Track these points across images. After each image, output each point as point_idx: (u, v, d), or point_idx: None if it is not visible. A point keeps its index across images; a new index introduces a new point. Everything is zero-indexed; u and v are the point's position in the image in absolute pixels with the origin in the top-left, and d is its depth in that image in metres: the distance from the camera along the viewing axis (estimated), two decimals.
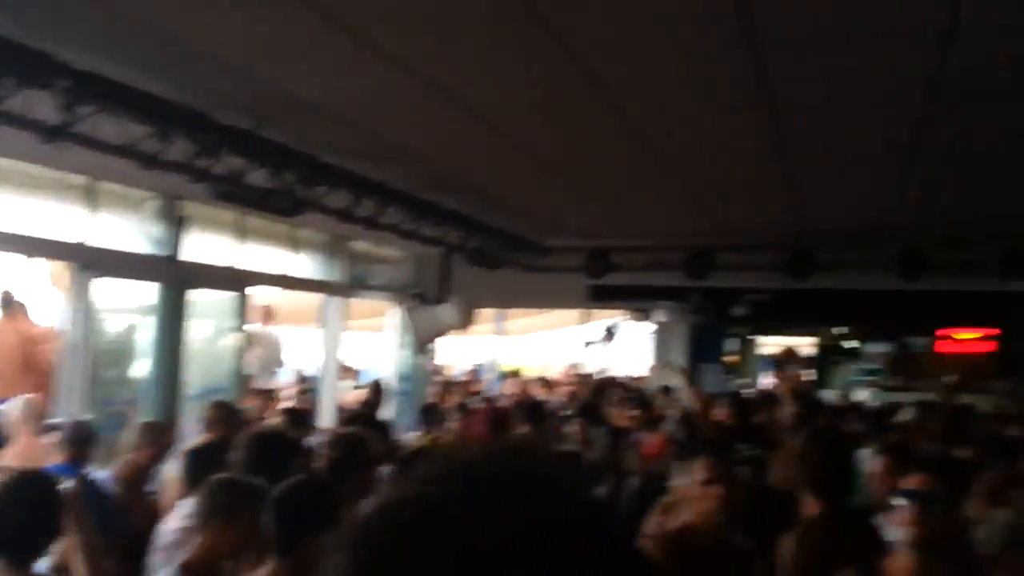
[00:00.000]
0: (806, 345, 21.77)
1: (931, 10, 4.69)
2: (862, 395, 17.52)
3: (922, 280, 13.19)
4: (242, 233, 10.53)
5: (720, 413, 10.05)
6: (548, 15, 4.85)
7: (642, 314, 17.63)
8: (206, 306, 9.86)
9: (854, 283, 13.76)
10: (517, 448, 1.19)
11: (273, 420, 9.40)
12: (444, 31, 5.16)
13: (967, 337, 18.16)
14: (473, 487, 1.07)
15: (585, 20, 4.95)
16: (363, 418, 9.22)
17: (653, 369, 16.51)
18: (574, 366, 20.05)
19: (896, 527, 3.98)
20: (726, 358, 19.00)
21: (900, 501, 3.80)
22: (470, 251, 12.03)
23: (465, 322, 13.72)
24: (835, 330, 20.32)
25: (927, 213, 10.97)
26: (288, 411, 9.62)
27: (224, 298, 10.21)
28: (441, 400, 13.13)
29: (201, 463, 5.84)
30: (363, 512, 1.09)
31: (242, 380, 10.69)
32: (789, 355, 23.13)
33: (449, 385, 15.51)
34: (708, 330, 16.31)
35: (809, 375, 20.66)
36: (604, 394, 13.38)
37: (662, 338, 16.42)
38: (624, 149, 7.92)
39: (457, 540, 1.01)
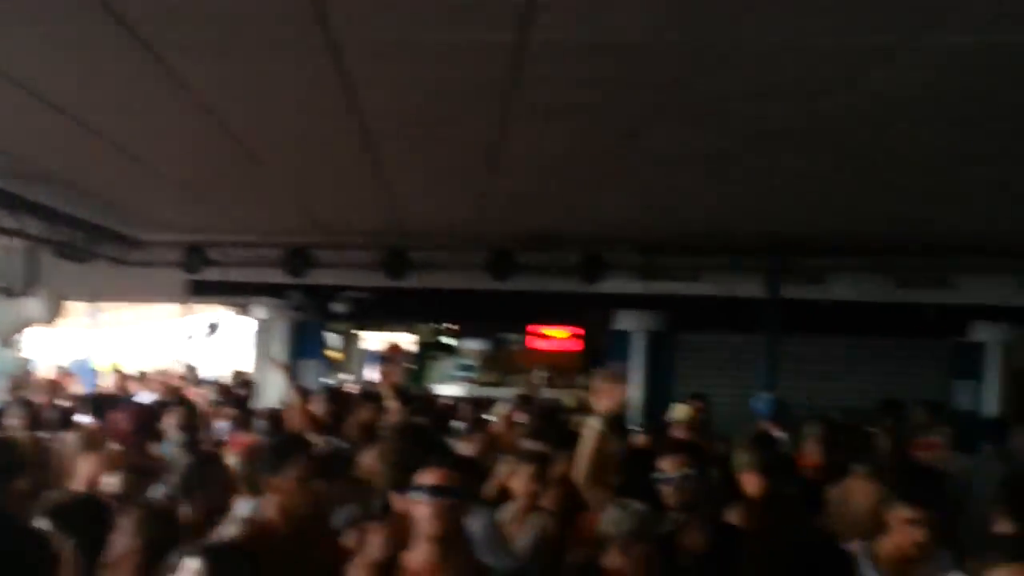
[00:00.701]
0: (408, 341, 22.25)
1: (503, 28, 4.92)
2: (458, 390, 18.07)
3: (512, 281, 13.87)
4: None
5: (316, 408, 10.07)
6: (120, 7, 4.73)
7: (244, 309, 17.46)
8: None
9: (447, 282, 14.25)
10: None
11: None
12: (5, 16, 4.92)
13: (556, 335, 19.15)
14: None
15: (160, 14, 4.86)
16: None
17: (255, 365, 16.38)
18: (175, 361, 19.56)
19: (417, 521, 4.15)
20: (329, 353, 19.10)
21: (418, 495, 3.96)
22: (57, 243, 11.49)
23: (52, 316, 13.08)
24: (434, 327, 20.88)
25: (514, 219, 11.50)
26: None
27: None
28: (15, 396, 12.42)
29: None
30: None
31: None
32: (393, 351, 23.54)
33: (28, 381, 14.69)
34: (310, 326, 16.32)
35: (409, 370, 21.15)
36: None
37: (263, 334, 16.28)
38: (214, 145, 7.80)
39: None
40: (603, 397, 5.12)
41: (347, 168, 8.67)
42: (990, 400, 14.95)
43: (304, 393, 11.15)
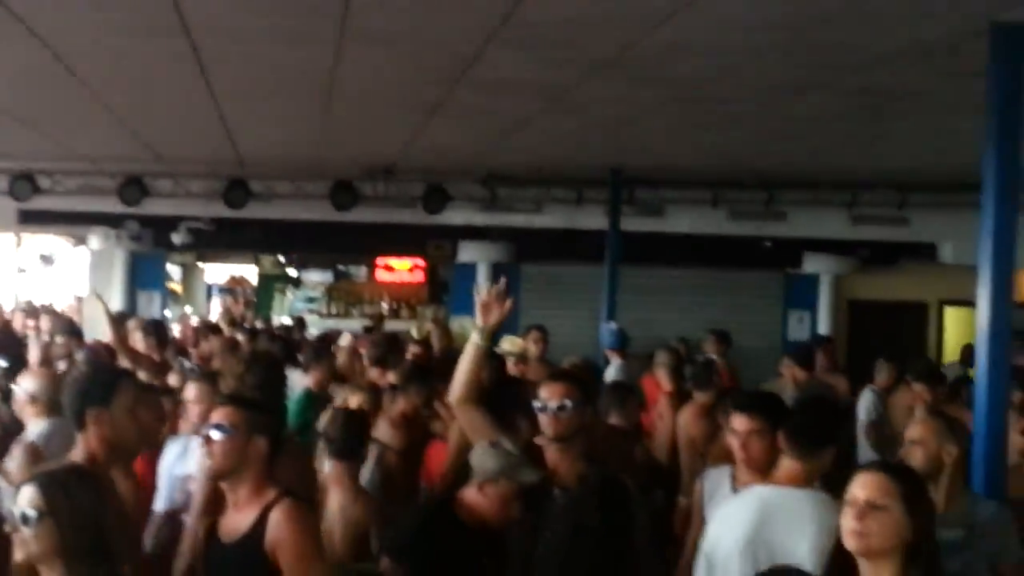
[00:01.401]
0: (251, 273, 22.00)
1: None
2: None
3: (354, 212, 13.78)
4: None
5: (139, 342, 9.75)
6: None
7: (80, 240, 17.03)
8: None
9: (289, 213, 14.10)
10: None
11: None
12: None
13: (402, 267, 19.14)
14: None
15: None
16: None
17: (84, 298, 15.98)
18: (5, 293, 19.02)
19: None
20: (171, 286, 18.75)
21: (212, 432, 4.02)
22: None
23: None
24: (278, 258, 20.64)
25: (354, 148, 11.39)
26: None
27: None
28: None
29: None
30: None
31: None
32: (237, 283, 23.30)
33: None
34: (149, 257, 15.97)
35: (253, 302, 20.96)
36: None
37: (98, 265, 15.88)
38: (38, 67, 7.51)
39: None
40: (487, 312, 4.93)
41: (180, 93, 8.44)
42: (823, 330, 15.47)
43: (138, 326, 10.87)
